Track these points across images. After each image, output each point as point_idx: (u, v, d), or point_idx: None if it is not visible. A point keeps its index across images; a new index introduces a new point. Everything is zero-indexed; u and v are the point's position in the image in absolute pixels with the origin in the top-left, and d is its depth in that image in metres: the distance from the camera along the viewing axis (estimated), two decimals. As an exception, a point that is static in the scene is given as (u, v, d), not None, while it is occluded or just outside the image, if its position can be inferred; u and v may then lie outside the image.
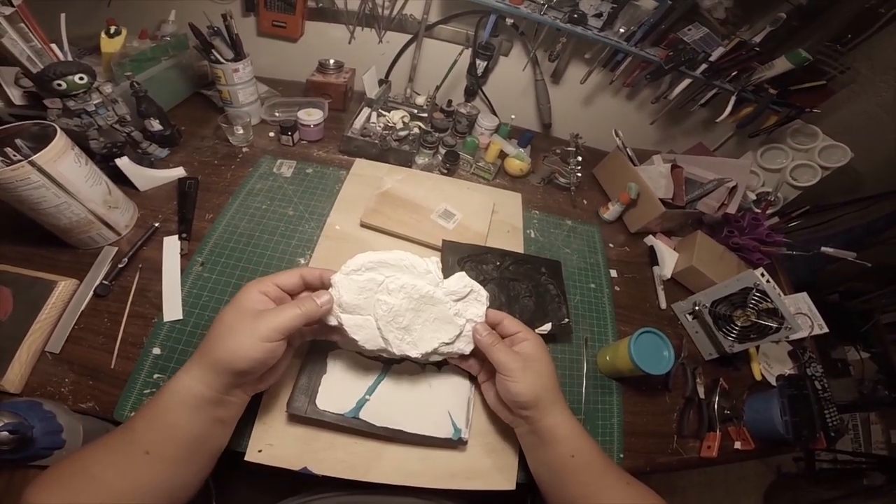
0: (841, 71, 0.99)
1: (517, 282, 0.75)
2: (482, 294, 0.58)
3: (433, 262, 0.57)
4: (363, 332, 0.52)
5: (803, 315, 0.93)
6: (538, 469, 0.54)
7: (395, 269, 0.55)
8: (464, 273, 0.58)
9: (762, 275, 0.84)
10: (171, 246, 0.72)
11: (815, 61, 0.95)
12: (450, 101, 1.07)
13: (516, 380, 0.52)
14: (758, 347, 0.86)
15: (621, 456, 0.67)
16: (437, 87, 1.04)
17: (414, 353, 0.54)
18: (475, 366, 0.60)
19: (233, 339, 0.43)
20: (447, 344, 0.55)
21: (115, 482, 0.39)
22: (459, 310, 0.56)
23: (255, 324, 0.43)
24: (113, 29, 0.85)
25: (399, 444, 0.58)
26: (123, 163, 0.76)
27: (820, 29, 0.95)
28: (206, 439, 0.45)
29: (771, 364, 0.87)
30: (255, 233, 0.76)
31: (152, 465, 0.40)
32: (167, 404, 0.42)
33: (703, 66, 0.99)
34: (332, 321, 0.52)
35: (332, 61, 1.07)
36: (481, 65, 1.11)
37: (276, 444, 0.54)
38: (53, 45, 0.67)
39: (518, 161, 1.02)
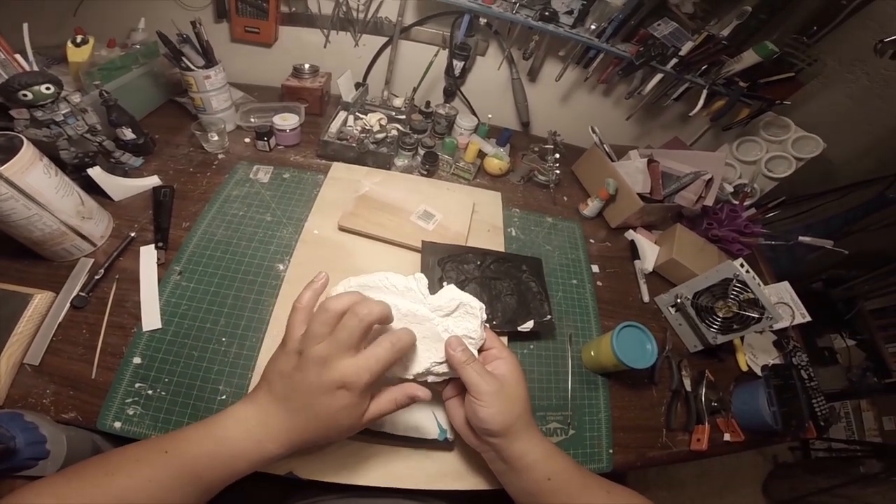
0: (808, 63, 1.01)
1: (498, 280, 0.75)
2: (475, 306, 0.54)
3: (416, 278, 0.55)
4: None
5: (785, 304, 0.93)
6: (514, 492, 0.52)
7: (376, 291, 0.53)
8: (453, 286, 0.56)
9: (742, 265, 0.85)
10: (148, 255, 0.71)
11: (783, 54, 0.96)
12: (428, 103, 1.07)
13: (486, 405, 0.48)
14: (742, 338, 0.87)
15: (611, 451, 0.67)
16: (415, 89, 1.05)
17: (406, 375, 0.52)
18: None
19: (337, 433, 0.45)
20: (439, 363, 0.52)
21: None
22: (449, 326, 0.53)
23: (362, 420, 0.45)
24: (80, 38, 0.84)
25: (385, 446, 0.58)
26: (96, 172, 0.75)
27: (786, 21, 0.97)
28: None
29: (756, 354, 0.87)
30: (233, 240, 0.76)
31: (202, 498, 0.42)
32: (238, 457, 0.42)
33: (674, 60, 1.01)
34: None
35: (307, 66, 1.07)
36: (458, 65, 1.11)
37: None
38: (18, 56, 0.66)
39: (497, 160, 1.03)
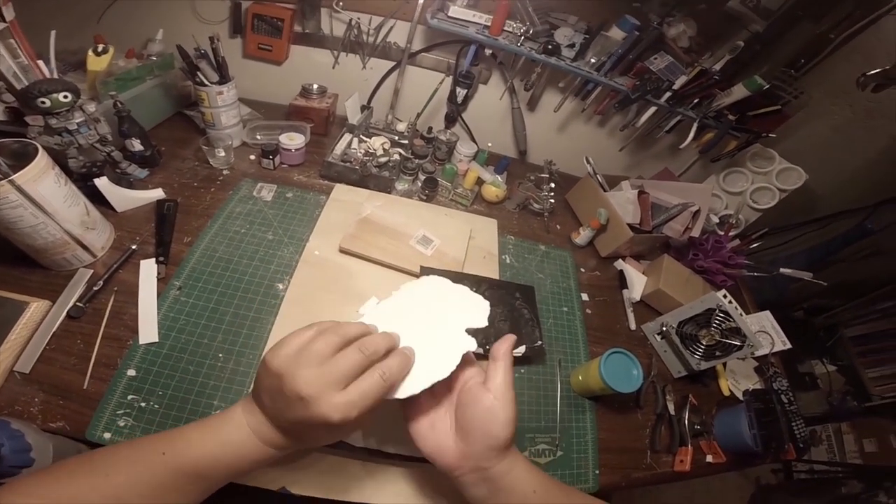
0: (795, 96, 1.03)
1: (493, 307, 0.75)
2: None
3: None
4: None
5: (765, 333, 0.96)
6: None
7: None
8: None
9: (725, 296, 0.88)
10: (148, 269, 0.71)
11: (771, 87, 0.99)
12: (430, 128, 1.09)
13: (504, 407, 0.45)
14: (724, 364, 0.90)
15: (597, 472, 0.69)
16: (419, 114, 1.06)
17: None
18: None
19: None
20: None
21: None
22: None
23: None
24: (101, 47, 0.84)
25: (380, 463, 0.58)
26: (102, 183, 0.74)
27: (775, 54, 1.00)
28: None
29: (738, 380, 0.90)
30: (234, 257, 0.76)
31: (202, 496, 0.42)
32: (243, 458, 0.42)
33: (668, 94, 1.03)
34: None
35: (315, 86, 1.09)
36: (461, 93, 1.14)
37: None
38: (40, 62, 0.66)
39: (494, 188, 1.04)
